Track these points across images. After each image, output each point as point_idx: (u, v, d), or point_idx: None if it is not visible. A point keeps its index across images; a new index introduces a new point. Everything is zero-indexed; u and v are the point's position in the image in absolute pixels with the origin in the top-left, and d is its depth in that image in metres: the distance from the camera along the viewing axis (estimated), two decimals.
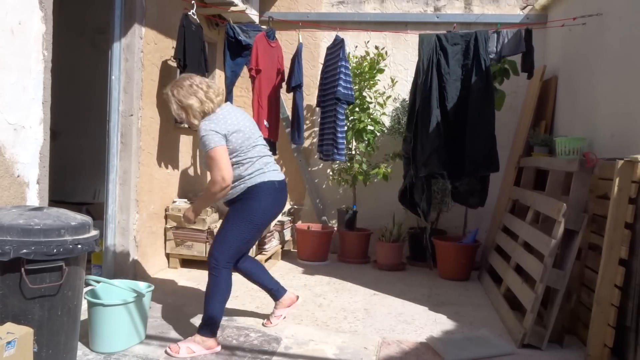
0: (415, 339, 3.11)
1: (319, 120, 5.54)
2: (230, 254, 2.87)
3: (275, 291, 3.23)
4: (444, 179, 3.99)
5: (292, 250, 5.51)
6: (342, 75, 4.59)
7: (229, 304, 3.59)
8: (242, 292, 3.92)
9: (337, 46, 4.68)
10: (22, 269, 2.10)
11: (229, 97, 4.55)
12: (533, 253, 3.42)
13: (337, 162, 5.17)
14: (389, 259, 4.88)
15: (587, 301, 3.13)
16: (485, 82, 4.02)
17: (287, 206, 5.39)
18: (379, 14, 5.44)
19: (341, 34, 4.86)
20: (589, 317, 2.87)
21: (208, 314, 2.81)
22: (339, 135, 4.67)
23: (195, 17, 4.17)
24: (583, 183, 3.18)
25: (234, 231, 2.85)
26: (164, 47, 4.22)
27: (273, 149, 4.88)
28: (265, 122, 4.50)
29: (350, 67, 4.69)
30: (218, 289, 2.83)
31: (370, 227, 5.28)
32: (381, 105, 5.18)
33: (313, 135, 5.61)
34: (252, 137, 2.87)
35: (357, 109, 5.09)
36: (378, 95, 5.21)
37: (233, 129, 2.77)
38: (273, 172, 2.91)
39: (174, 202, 4.48)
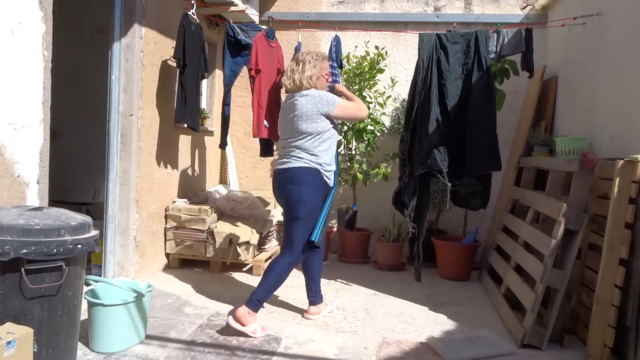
0: (415, 339, 3.11)
1: None
2: None
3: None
4: (443, 177, 3.97)
5: None
6: None
7: (229, 304, 3.61)
8: (242, 292, 3.92)
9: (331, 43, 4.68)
10: (22, 269, 2.10)
11: (227, 97, 4.55)
12: (533, 253, 3.42)
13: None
14: (389, 259, 4.88)
15: (587, 301, 3.13)
16: (486, 81, 4.01)
17: None
18: (379, 14, 5.44)
19: (341, 34, 4.85)
20: (589, 317, 2.87)
21: None
22: None
23: (195, 17, 4.17)
24: (583, 183, 3.18)
25: None
26: (164, 47, 4.22)
27: (270, 149, 4.86)
28: (265, 122, 4.48)
29: (336, 66, 4.65)
30: None
31: (370, 227, 5.28)
32: (381, 105, 5.18)
33: None
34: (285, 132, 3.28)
35: None
36: (378, 95, 5.20)
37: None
38: (279, 162, 3.29)
39: (174, 202, 4.48)
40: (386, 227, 5.03)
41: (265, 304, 3.65)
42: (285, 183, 3.15)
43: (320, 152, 3.17)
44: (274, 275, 3.16)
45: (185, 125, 4.35)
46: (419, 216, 4.05)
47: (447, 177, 3.98)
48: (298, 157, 3.15)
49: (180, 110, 4.15)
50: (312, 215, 3.15)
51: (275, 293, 3.92)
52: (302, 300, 3.77)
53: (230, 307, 3.50)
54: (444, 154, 3.95)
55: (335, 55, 4.65)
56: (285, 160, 3.20)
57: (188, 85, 4.14)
